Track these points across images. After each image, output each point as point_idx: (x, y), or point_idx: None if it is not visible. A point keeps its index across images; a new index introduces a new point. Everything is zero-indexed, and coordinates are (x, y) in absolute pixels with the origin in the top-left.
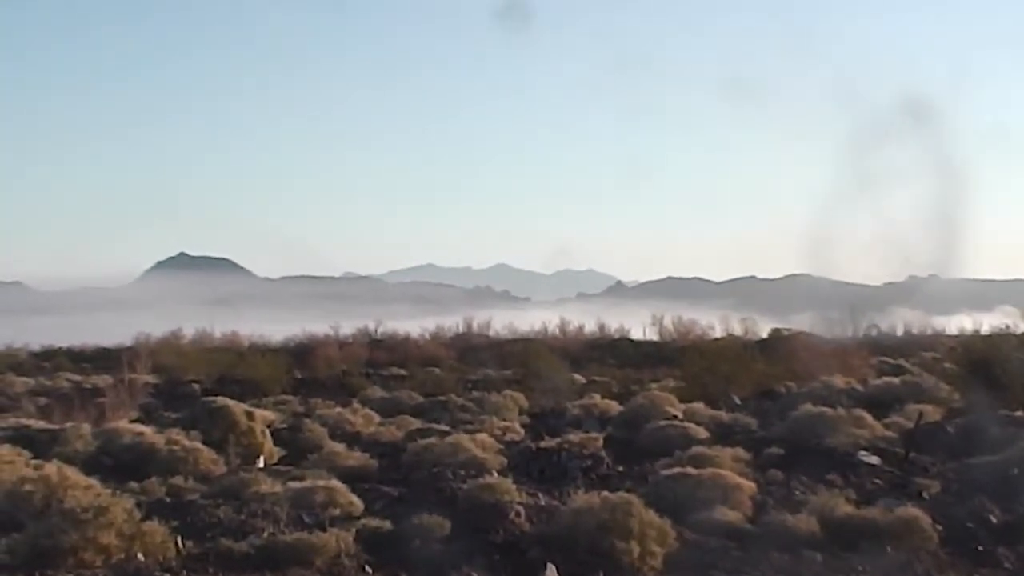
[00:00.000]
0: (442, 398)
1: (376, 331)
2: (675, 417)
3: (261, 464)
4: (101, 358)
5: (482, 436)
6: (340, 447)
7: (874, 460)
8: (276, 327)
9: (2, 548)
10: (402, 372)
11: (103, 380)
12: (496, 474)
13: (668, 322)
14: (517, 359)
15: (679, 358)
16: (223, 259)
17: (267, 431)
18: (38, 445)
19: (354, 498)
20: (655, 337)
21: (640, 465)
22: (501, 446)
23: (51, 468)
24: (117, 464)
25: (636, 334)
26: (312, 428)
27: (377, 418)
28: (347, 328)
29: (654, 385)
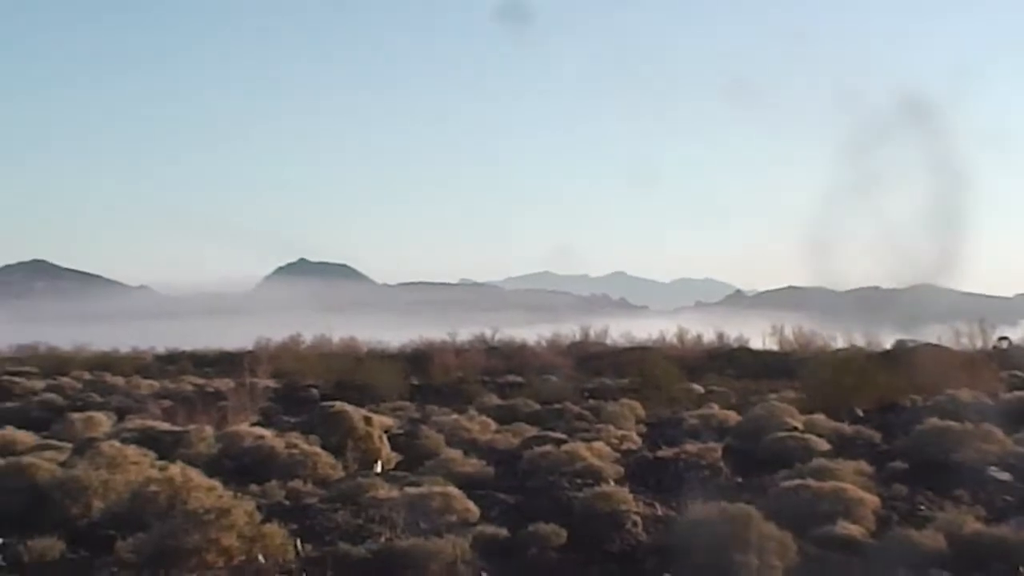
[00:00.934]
0: (558, 406)
1: (492, 338)
2: (795, 429)
3: (378, 469)
4: (223, 362)
5: (598, 445)
6: (456, 453)
7: (1005, 476)
8: (393, 333)
9: (128, 547)
10: (518, 379)
11: (225, 384)
12: (613, 483)
13: (788, 332)
14: (634, 368)
15: (800, 369)
16: (342, 265)
17: (384, 436)
18: (163, 447)
19: (470, 504)
20: (775, 347)
21: (759, 477)
22: (618, 455)
23: (175, 469)
24: (238, 466)
25: (755, 344)
26: (429, 434)
27: (493, 425)
28: (464, 335)
29: (773, 396)
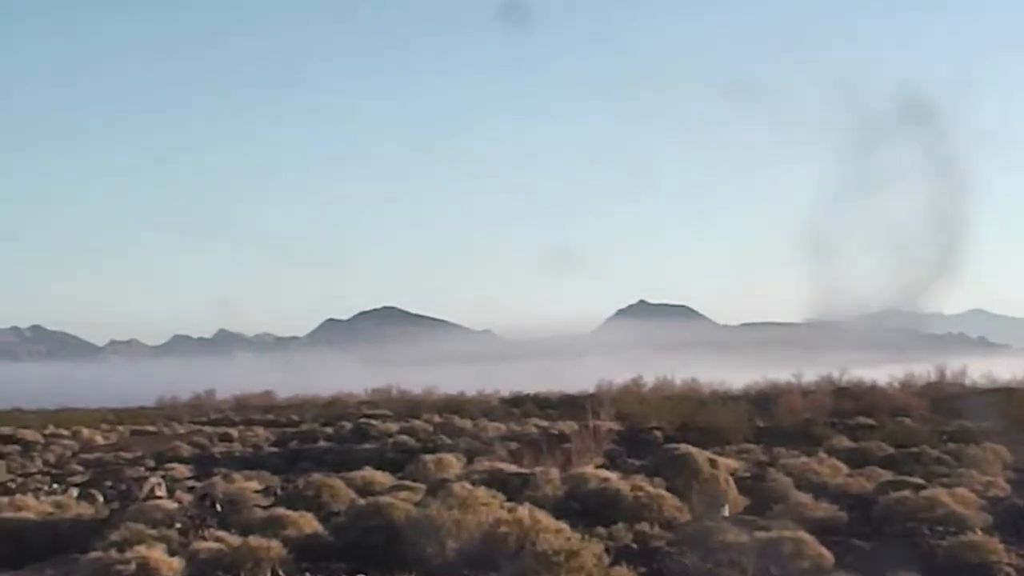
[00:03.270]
0: (914, 449)
1: (840, 379)
2: None
3: (726, 512)
4: (566, 404)
5: (961, 491)
6: (806, 497)
7: None
8: (736, 374)
9: None
10: (869, 422)
11: (568, 426)
12: (979, 532)
13: None
14: (998, 409)
15: None
16: (682, 306)
17: (731, 479)
18: (510, 488)
19: (823, 550)
20: None
21: None
22: (983, 502)
23: (523, 511)
24: (584, 508)
25: None
26: (776, 477)
27: (844, 469)
28: (810, 375)
29: None
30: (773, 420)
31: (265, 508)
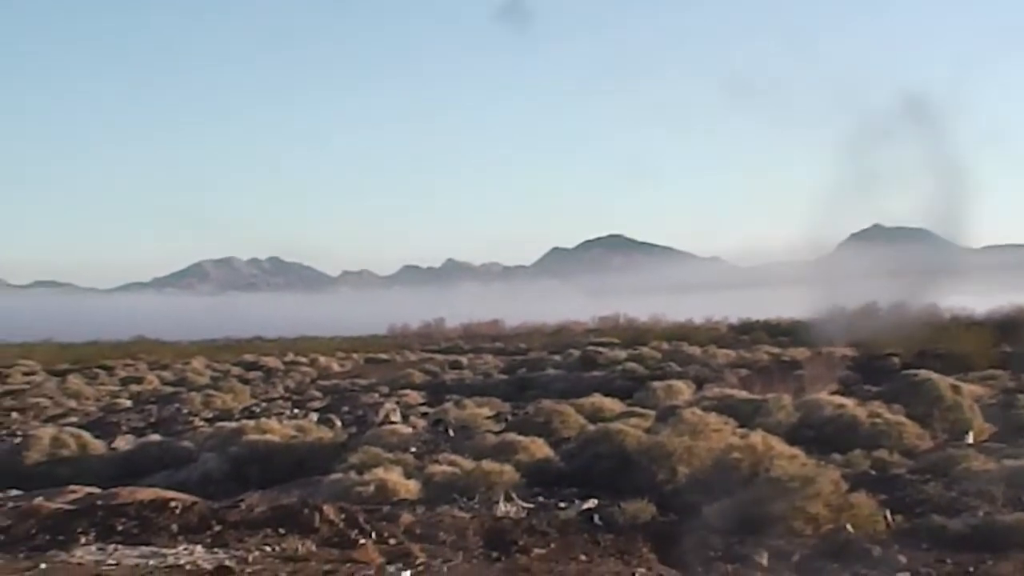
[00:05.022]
0: None
1: None
2: None
3: (970, 440)
4: (797, 331)
5: None
6: None
7: None
8: (979, 299)
9: (714, 512)
10: None
11: (800, 353)
12: None
13: None
14: None
15: None
16: (919, 230)
17: (975, 406)
18: (741, 415)
19: None
20: None
21: None
22: None
23: (756, 437)
24: (819, 435)
25: None
26: None
27: None
28: None
29: None
30: (1020, 345)
31: (496, 434)
